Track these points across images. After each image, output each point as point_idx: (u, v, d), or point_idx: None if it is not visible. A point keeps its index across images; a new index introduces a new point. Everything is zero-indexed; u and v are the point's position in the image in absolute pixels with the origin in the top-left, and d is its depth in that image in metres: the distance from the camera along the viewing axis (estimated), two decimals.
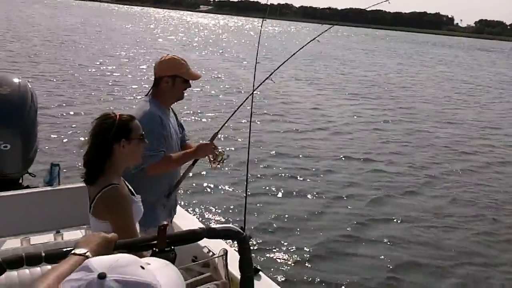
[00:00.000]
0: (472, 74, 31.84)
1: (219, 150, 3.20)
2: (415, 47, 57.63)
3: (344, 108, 15.64)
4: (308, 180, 8.36)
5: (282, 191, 7.69)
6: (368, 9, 4.76)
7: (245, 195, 3.42)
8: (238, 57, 28.86)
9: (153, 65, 3.20)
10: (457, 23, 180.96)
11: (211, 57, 27.87)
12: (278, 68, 3.89)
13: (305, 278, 5.21)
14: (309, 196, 7.65)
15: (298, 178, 8.41)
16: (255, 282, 3.03)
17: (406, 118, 15.01)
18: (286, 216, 6.75)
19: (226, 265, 2.12)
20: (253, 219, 6.30)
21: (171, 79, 3.08)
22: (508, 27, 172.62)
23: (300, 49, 3.90)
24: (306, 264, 5.50)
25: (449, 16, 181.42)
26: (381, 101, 17.86)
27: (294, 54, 3.89)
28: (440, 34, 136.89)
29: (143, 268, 1.03)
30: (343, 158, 9.88)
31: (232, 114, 3.57)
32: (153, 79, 3.16)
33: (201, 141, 3.23)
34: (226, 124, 3.49)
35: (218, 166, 3.21)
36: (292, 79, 21.13)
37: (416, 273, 5.62)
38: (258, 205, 6.94)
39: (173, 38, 40.54)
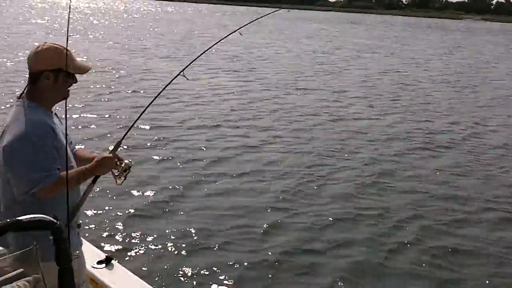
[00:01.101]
0: (334, 45, 33.93)
1: (125, 162, 2.70)
2: (282, 22, 59.62)
3: (203, 80, 16.12)
4: (153, 150, 8.63)
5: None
6: None
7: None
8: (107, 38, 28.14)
9: (27, 57, 2.56)
10: None
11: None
12: (191, 62, 3.28)
13: (160, 264, 5.08)
14: (156, 172, 7.60)
15: (142, 150, 8.59)
16: (108, 271, 3.15)
17: (260, 87, 15.90)
18: (139, 201, 6.52)
19: (37, 259, 1.97)
20: (104, 205, 6.19)
21: (53, 74, 2.51)
22: (373, 0, 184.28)
23: (219, 41, 3.50)
24: (162, 250, 5.36)
25: None
26: (239, 73, 18.63)
27: (212, 46, 3.48)
28: (311, 10, 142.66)
29: None
30: (196, 128, 10.36)
31: (138, 118, 2.99)
32: (28, 74, 2.55)
33: (102, 153, 2.71)
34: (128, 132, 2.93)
35: (124, 179, 2.72)
36: (158, 58, 21.29)
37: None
38: (105, 194, 6.45)
39: (40, 21, 38.23)
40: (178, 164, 8.11)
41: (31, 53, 2.54)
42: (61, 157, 2.49)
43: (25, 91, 2.55)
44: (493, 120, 13.13)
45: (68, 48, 2.57)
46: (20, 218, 1.62)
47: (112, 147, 2.75)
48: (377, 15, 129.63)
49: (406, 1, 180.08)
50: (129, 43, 26.80)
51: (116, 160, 2.67)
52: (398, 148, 9.91)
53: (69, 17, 3.46)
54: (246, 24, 3.56)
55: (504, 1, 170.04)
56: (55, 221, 1.72)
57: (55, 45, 2.55)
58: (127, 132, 2.87)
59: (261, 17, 3.98)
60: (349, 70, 21.68)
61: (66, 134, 2.63)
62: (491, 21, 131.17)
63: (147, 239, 5.59)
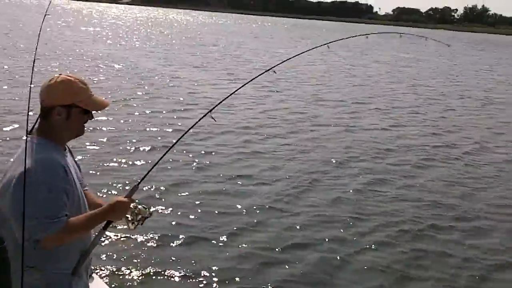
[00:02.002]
0: (372, 59, 34.00)
1: (139, 207, 2.47)
2: (324, 35, 59.82)
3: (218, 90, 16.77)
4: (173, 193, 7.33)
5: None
6: None
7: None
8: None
9: (40, 89, 2.35)
10: (376, 11, 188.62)
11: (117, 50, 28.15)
12: (219, 103, 3.05)
13: (139, 279, 4.98)
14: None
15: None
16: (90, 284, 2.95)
17: (282, 97, 16.46)
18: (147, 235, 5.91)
19: None
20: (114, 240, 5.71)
21: (65, 110, 2.31)
22: (424, 14, 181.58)
23: (247, 83, 3.36)
24: (141, 264, 5.23)
25: (368, 5, 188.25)
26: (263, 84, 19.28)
27: (239, 88, 3.30)
28: (360, 23, 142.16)
29: None
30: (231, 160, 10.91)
31: (160, 159, 2.72)
32: (40, 109, 2.35)
33: (116, 196, 2.48)
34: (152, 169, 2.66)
35: (137, 225, 2.50)
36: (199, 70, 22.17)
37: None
38: None
39: (91, 30, 40.13)
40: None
41: (43, 85, 2.34)
42: (71, 201, 2.29)
43: (35, 127, 2.36)
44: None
45: (84, 79, 2.40)
46: None
47: (129, 189, 2.52)
48: (427, 29, 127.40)
49: (458, 16, 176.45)
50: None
51: (132, 204, 2.45)
52: (398, 159, 10.23)
53: (39, 37, 3.34)
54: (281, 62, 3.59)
55: None
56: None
57: (69, 78, 2.35)
58: (146, 174, 2.61)
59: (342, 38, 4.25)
60: (379, 84, 21.89)
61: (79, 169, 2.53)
62: None
63: (131, 256, 5.36)
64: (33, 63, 3.00)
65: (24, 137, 2.29)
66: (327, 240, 6.25)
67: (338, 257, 5.85)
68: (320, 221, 6.81)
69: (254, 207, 7.06)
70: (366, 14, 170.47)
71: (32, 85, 2.65)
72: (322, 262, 5.72)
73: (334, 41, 3.97)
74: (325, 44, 3.91)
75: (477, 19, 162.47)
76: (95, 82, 15.82)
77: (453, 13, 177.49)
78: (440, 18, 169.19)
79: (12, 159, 2.36)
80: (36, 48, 3.58)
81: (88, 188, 2.65)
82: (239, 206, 7.04)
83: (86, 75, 16.50)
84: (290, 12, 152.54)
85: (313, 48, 4.08)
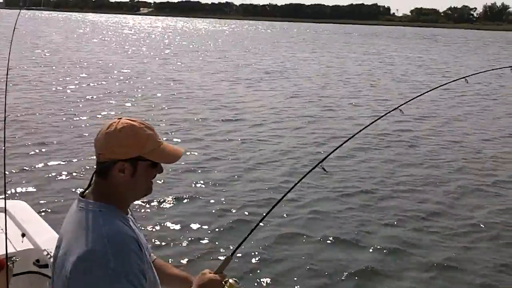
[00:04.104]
0: (380, 57, 33.87)
1: (230, 282, 2.12)
2: (341, 38, 59.69)
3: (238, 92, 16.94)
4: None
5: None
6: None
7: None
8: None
9: (95, 139, 1.81)
10: (394, 13, 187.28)
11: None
12: (329, 155, 2.60)
13: None
14: None
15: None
16: None
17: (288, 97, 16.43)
18: None
19: None
20: None
21: (130, 165, 1.78)
22: (442, 14, 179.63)
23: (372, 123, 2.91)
24: None
25: (386, 7, 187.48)
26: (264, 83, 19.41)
27: (357, 133, 2.84)
28: (378, 24, 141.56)
29: None
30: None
31: (256, 226, 2.42)
32: (96, 163, 1.81)
33: (206, 273, 2.10)
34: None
35: None
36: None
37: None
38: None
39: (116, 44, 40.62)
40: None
41: (100, 134, 1.80)
42: (148, 283, 1.76)
43: (90, 187, 1.84)
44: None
45: (149, 123, 1.86)
46: None
47: (220, 263, 2.17)
48: (448, 29, 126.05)
49: (477, 14, 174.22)
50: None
51: (223, 282, 2.11)
52: None
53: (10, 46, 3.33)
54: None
55: None
56: None
57: (131, 122, 1.81)
58: (242, 242, 2.26)
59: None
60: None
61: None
62: None
63: None
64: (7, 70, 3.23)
65: (76, 201, 1.80)
66: None
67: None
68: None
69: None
70: (383, 16, 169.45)
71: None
72: None
73: (473, 74, 3.69)
74: (463, 77, 3.48)
75: (497, 18, 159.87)
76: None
77: (472, 12, 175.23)
78: (459, 18, 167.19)
79: (64, 224, 1.82)
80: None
81: (157, 257, 2.17)
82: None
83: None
84: (303, 17, 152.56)
85: (449, 82, 3.76)
